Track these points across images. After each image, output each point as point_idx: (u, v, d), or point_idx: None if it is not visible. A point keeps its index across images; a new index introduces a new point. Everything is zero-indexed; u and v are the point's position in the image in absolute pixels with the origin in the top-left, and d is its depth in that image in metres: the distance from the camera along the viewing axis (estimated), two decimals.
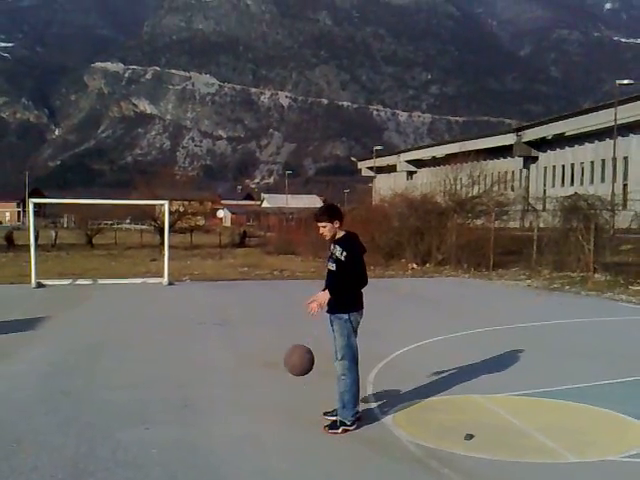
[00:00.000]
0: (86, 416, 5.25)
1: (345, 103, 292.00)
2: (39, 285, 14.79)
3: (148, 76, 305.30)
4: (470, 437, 4.68)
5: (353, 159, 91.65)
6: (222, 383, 6.40)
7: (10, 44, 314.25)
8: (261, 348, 7.95)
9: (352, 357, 4.87)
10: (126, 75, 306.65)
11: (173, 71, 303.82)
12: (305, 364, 4.87)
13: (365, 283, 4.89)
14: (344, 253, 4.76)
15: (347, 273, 4.78)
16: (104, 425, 5.01)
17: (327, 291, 4.80)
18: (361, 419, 5.00)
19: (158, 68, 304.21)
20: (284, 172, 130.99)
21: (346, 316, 4.85)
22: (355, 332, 4.94)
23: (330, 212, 4.86)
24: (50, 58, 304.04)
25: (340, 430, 4.81)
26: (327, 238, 4.90)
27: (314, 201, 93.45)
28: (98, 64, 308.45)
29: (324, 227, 4.83)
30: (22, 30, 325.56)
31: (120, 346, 8.27)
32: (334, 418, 4.95)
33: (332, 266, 4.87)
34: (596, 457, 4.39)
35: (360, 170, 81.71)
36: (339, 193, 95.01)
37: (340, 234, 4.87)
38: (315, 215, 4.99)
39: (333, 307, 4.86)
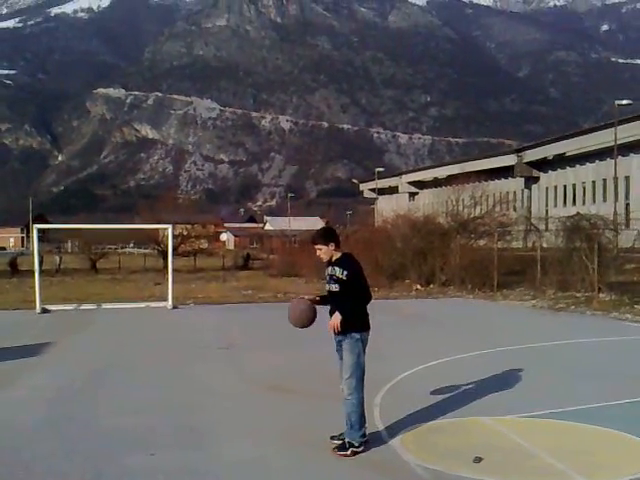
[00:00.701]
0: (92, 442, 5.22)
1: (346, 126, 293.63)
2: (44, 310, 14.78)
3: (150, 101, 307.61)
4: (479, 460, 4.65)
5: (354, 181, 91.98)
6: (228, 407, 6.37)
7: (12, 71, 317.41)
8: (266, 372, 7.92)
9: (360, 377, 4.91)
10: (128, 101, 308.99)
11: (174, 96, 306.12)
12: (305, 315, 4.95)
13: (370, 298, 4.97)
14: (345, 272, 4.85)
15: (353, 290, 4.85)
16: (110, 451, 4.98)
17: (337, 312, 4.83)
18: (368, 441, 4.97)
19: (160, 93, 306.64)
20: (286, 194, 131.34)
21: (358, 335, 4.92)
22: (364, 351, 4.99)
23: (326, 235, 4.99)
24: (52, 84, 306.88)
25: (349, 452, 4.79)
26: (324, 260, 5.02)
27: (316, 223, 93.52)
28: (100, 90, 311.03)
29: (320, 250, 4.95)
30: (24, 57, 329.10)
31: (125, 371, 8.24)
32: (340, 442, 4.92)
33: (335, 287, 4.93)
34: (606, 479, 4.34)
35: (362, 192, 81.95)
36: (341, 215, 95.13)
37: (337, 255, 4.97)
38: (311, 238, 5.11)
39: (344, 327, 4.89)
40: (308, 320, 4.99)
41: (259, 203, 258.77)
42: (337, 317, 4.82)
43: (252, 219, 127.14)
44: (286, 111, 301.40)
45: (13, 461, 4.77)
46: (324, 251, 4.94)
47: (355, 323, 4.91)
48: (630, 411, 6.14)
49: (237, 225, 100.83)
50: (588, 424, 5.62)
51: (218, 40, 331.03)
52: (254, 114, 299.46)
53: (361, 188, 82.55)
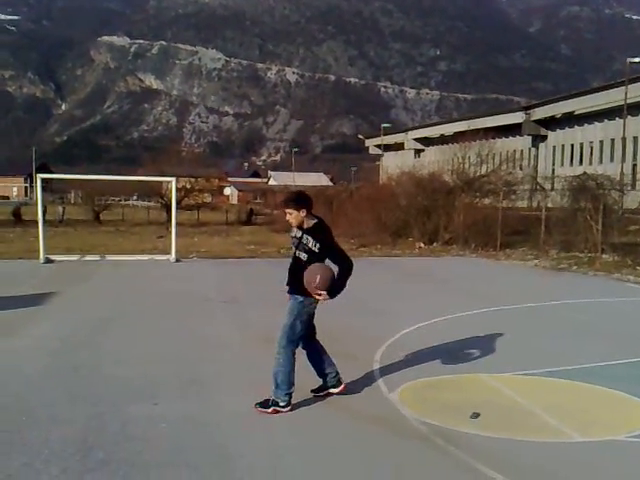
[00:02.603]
0: (95, 391, 5.30)
1: (352, 79, 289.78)
2: (48, 260, 14.86)
3: (154, 50, 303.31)
4: (476, 415, 4.72)
5: (360, 137, 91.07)
6: (229, 360, 6.46)
7: (16, 17, 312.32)
8: (267, 326, 7.97)
9: (291, 338, 4.81)
10: (132, 49, 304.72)
11: (179, 45, 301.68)
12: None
13: (351, 264, 4.81)
14: (317, 245, 4.74)
15: (340, 255, 4.77)
16: (113, 400, 5.06)
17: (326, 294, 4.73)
18: (291, 405, 4.88)
19: (164, 42, 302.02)
20: (291, 149, 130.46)
21: (302, 298, 4.81)
22: (310, 318, 4.91)
23: (298, 200, 4.84)
24: (56, 31, 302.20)
25: (270, 410, 4.77)
26: (293, 225, 4.89)
27: (321, 179, 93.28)
28: (104, 38, 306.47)
29: (290, 214, 4.81)
30: (27, 3, 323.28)
31: (128, 322, 8.33)
32: (322, 394, 5.09)
33: (303, 256, 4.81)
34: (601, 437, 4.41)
35: (367, 148, 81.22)
36: (346, 171, 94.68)
37: (309, 223, 4.83)
38: (283, 201, 4.99)
39: (293, 288, 4.85)
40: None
41: (263, 158, 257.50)
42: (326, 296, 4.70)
43: (256, 174, 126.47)
44: (292, 63, 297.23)
45: (18, 408, 4.85)
46: (294, 216, 4.80)
47: (303, 286, 4.74)
48: (627, 371, 6.20)
49: (241, 180, 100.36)
50: (585, 383, 5.68)
51: None
52: (260, 65, 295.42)
53: (367, 144, 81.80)
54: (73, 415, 4.70)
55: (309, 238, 4.77)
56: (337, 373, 5.14)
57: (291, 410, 4.84)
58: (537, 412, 4.90)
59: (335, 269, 4.76)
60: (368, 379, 5.72)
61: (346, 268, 4.75)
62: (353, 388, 5.39)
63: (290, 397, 4.84)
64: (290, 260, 5.03)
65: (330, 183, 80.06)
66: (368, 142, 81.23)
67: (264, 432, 4.47)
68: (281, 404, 4.79)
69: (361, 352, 6.62)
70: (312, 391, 5.18)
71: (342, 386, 5.15)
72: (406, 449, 4.19)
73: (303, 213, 4.79)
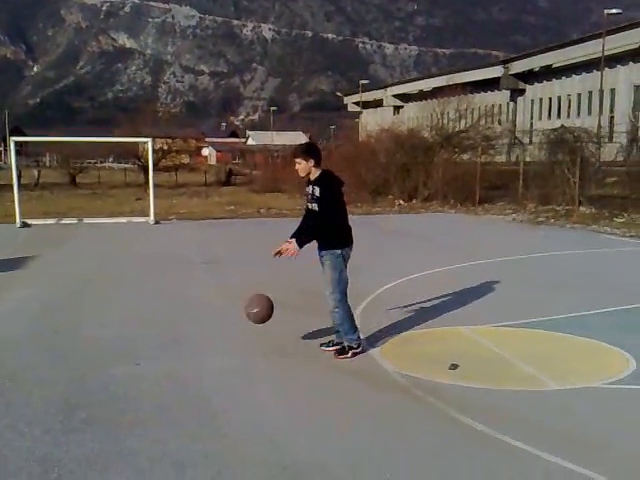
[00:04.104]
0: (77, 353, 5.30)
1: (330, 35, 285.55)
2: (24, 225, 14.67)
3: (126, 9, 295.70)
4: (455, 367, 4.80)
5: (339, 94, 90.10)
6: (210, 320, 6.47)
7: None
8: (249, 286, 7.99)
9: (343, 290, 5.05)
10: (104, 8, 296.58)
11: (152, 3, 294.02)
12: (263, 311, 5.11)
13: (325, 224, 4.94)
14: (322, 191, 4.91)
15: (328, 206, 4.90)
16: (95, 361, 5.07)
17: (293, 241, 4.85)
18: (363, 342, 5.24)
19: (136, 0, 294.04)
20: (269, 108, 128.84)
21: (339, 251, 5.01)
22: (346, 266, 5.10)
23: (307, 150, 5.02)
24: None
25: (350, 354, 5.08)
26: (301, 175, 5.05)
27: (299, 137, 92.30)
28: None
29: (299, 164, 4.97)
30: None
31: (108, 284, 8.29)
32: (331, 349, 5.19)
33: (314, 206, 4.99)
34: (578, 384, 4.51)
35: (346, 105, 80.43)
36: (325, 129, 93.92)
37: (316, 174, 4.99)
38: (293, 151, 5.15)
39: (325, 244, 5.01)
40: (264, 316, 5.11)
41: (241, 117, 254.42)
42: (292, 245, 4.83)
43: (234, 134, 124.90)
44: (268, 19, 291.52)
45: (0, 372, 4.85)
46: (303, 166, 4.96)
47: (335, 240, 5.00)
48: (603, 321, 6.32)
49: (219, 140, 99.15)
50: (561, 333, 5.79)
51: None
52: (235, 22, 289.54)
53: (345, 101, 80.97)
54: (55, 377, 4.71)
55: (316, 188, 4.95)
56: (359, 336, 5.26)
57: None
58: (514, 362, 4.99)
59: None
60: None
61: (317, 225, 4.93)
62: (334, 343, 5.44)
63: (360, 338, 5.18)
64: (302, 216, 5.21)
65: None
66: (347, 99, 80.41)
67: (247, 387, 4.52)
68: (355, 346, 5.11)
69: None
70: (321, 345, 5.33)
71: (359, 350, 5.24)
72: (386, 401, 4.26)
73: (311, 163, 4.95)
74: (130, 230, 14.64)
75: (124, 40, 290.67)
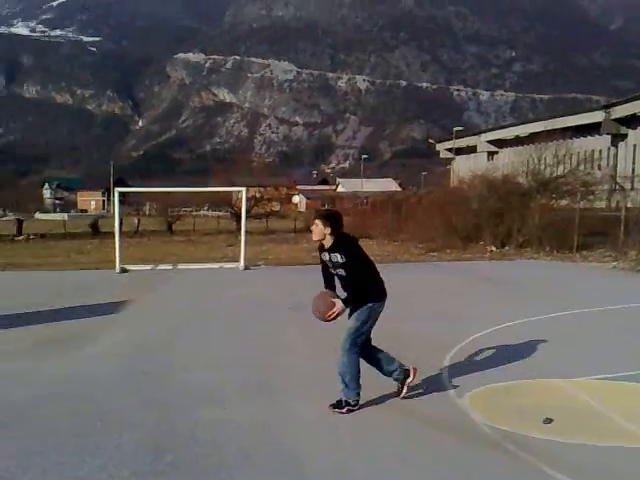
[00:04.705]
0: (166, 395, 5.41)
1: (424, 84, 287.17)
2: (123, 270, 15.33)
3: (228, 65, 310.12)
4: (549, 421, 4.54)
5: (431, 141, 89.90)
6: (297, 365, 6.46)
7: (97, 38, 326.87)
8: (335, 334, 7.94)
9: (356, 341, 4.94)
10: (207, 65, 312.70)
11: (252, 59, 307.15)
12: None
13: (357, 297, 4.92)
14: (343, 255, 4.87)
15: (361, 268, 4.88)
16: (183, 404, 5.15)
17: (339, 302, 4.88)
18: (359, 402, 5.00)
19: (238, 57, 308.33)
20: (360, 156, 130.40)
21: (371, 304, 4.93)
22: (374, 321, 5.00)
23: (328, 217, 4.99)
24: (134, 50, 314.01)
25: (345, 410, 4.89)
26: (314, 238, 5.06)
27: (390, 184, 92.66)
28: (180, 55, 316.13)
29: (316, 226, 4.96)
30: (108, 24, 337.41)
31: (199, 329, 8.47)
32: (404, 392, 5.09)
33: (340, 272, 4.96)
34: None
35: (438, 152, 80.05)
36: (415, 176, 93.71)
37: (330, 241, 4.95)
38: (316, 212, 5.25)
39: (359, 301, 4.93)
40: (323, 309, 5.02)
41: (332, 165, 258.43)
42: (339, 307, 4.84)
43: (325, 181, 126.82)
44: (363, 71, 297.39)
45: (91, 412, 5.00)
46: (318, 230, 4.94)
47: (369, 295, 4.91)
48: None
49: (309, 187, 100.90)
50: None
51: (298, 0, 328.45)
52: (330, 75, 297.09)
53: (437, 148, 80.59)
54: (144, 419, 4.81)
55: (335, 255, 4.93)
56: (400, 365, 5.16)
57: (358, 408, 4.90)
58: (612, 417, 4.68)
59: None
60: (436, 384, 5.61)
61: (356, 290, 4.88)
62: (420, 393, 5.31)
63: (359, 395, 4.96)
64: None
65: (399, 188, 79.38)
66: (439, 146, 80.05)
67: (331, 436, 4.45)
68: (352, 403, 4.93)
69: (429, 357, 6.49)
70: (398, 396, 5.17)
71: (412, 371, 5.16)
72: (476, 455, 4.07)
73: (327, 230, 4.92)
74: (221, 275, 15.02)
75: (224, 95, 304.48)
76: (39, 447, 4.27)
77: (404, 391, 5.13)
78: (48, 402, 5.27)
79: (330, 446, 4.26)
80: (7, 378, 6.03)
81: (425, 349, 6.87)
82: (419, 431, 4.52)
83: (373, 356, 5.17)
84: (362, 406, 4.96)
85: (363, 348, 5.06)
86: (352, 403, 4.93)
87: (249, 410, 4.98)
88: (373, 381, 5.11)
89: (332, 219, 4.96)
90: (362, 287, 4.87)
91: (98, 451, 4.18)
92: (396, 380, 5.18)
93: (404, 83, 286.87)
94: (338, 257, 4.89)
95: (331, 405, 4.94)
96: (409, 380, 5.14)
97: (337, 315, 4.90)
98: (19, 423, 4.75)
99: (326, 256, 5.03)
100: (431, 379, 5.72)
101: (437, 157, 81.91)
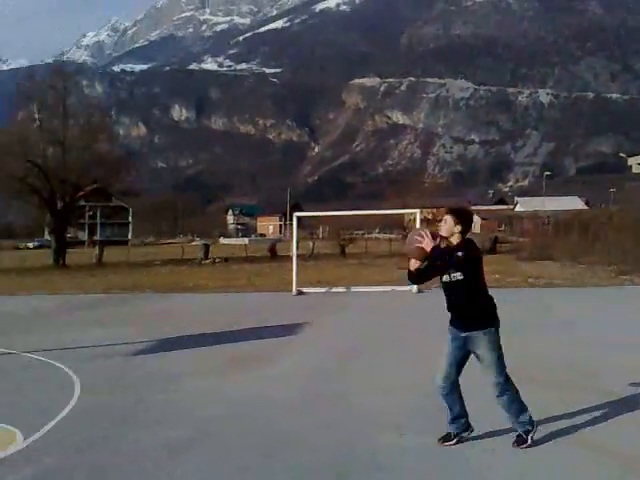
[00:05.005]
0: (343, 419, 5.44)
1: (614, 95, 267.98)
2: (299, 292, 15.85)
3: (403, 87, 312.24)
4: None
5: (622, 155, 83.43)
6: (474, 390, 6.12)
7: (279, 70, 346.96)
8: (529, 360, 7.44)
9: (504, 371, 4.59)
10: (382, 88, 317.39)
11: (428, 79, 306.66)
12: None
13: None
14: (469, 259, 4.51)
15: (480, 281, 4.57)
16: (361, 428, 5.15)
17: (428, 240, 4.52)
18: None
19: (413, 78, 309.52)
20: (541, 173, 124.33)
21: (493, 328, 4.58)
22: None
23: (460, 214, 4.68)
24: (312, 79, 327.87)
25: (529, 441, 4.55)
26: (442, 234, 4.65)
27: (574, 203, 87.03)
28: (356, 81, 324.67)
29: (445, 222, 4.64)
30: (289, 55, 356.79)
31: (374, 351, 8.52)
32: (451, 443, 4.68)
33: (457, 276, 4.54)
34: None
35: (630, 167, 74.06)
36: (604, 193, 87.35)
37: (457, 240, 4.60)
38: (448, 207, 4.94)
39: (477, 321, 4.58)
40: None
41: (510, 184, 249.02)
42: (427, 240, 4.49)
43: (502, 201, 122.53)
44: (546, 84, 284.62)
45: (266, 432, 5.15)
46: (448, 226, 4.60)
47: (488, 314, 4.58)
48: None
49: (484, 207, 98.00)
50: None
51: (477, 17, 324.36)
52: (510, 90, 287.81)
53: (629, 163, 74.48)
54: (323, 442, 4.86)
55: (459, 254, 4.49)
56: (467, 416, 4.77)
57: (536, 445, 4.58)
58: None
59: None
60: (629, 417, 5.11)
61: (467, 296, 4.60)
62: (609, 426, 4.90)
63: (531, 418, 4.63)
64: (444, 297, 4.93)
65: (585, 207, 74.44)
66: (631, 160, 73.81)
67: (515, 465, 4.24)
68: (530, 428, 4.59)
69: (621, 388, 5.95)
70: (440, 440, 4.75)
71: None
72: None
73: (457, 229, 4.60)
74: (394, 298, 15.03)
75: (397, 116, 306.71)
76: (225, 464, 4.46)
77: (525, 445, 4.57)
78: (231, 420, 5.52)
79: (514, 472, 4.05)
80: (198, 395, 6.41)
81: (615, 379, 6.26)
82: (599, 468, 4.08)
83: (457, 391, 4.78)
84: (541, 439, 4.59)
85: (455, 380, 4.75)
86: (530, 428, 4.59)
87: (427, 437, 4.81)
88: (546, 409, 4.65)
89: (464, 217, 4.68)
90: (478, 298, 4.58)
91: (283, 471, 4.28)
92: (455, 429, 4.75)
93: (591, 95, 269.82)
94: (461, 258, 4.47)
95: (514, 442, 4.61)
96: (466, 434, 4.75)
97: (422, 249, 4.53)
98: (207, 439, 5.01)
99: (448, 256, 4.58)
100: (622, 412, 5.21)
101: (629, 172, 75.62)
